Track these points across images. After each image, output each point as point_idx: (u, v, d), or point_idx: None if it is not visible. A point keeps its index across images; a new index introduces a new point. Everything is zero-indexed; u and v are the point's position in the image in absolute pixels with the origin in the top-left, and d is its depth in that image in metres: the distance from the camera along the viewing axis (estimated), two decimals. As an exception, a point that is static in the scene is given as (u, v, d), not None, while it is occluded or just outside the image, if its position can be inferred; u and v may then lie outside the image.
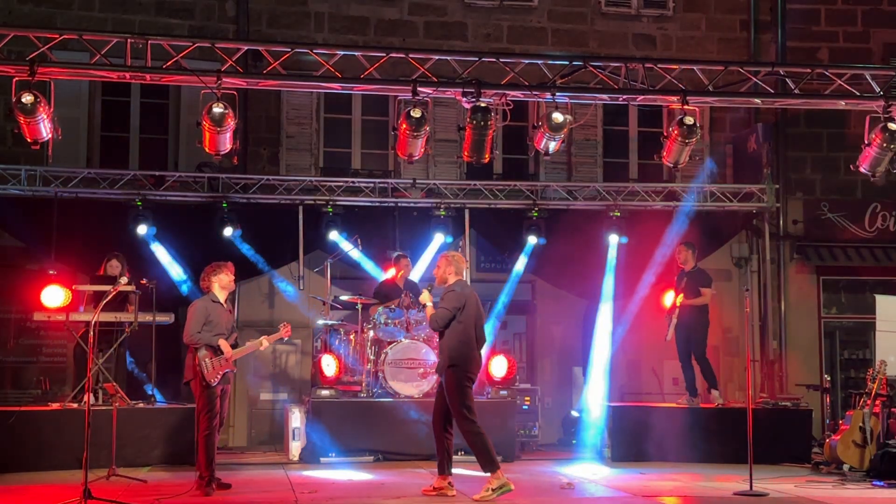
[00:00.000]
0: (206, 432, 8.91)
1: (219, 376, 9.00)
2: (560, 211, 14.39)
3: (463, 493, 8.95)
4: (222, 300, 9.26)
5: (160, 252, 13.29)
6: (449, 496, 8.76)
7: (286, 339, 9.51)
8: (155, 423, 11.03)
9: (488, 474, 8.68)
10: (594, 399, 13.35)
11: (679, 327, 12.41)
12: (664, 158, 10.64)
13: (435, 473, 9.08)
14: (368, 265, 13.80)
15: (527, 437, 13.01)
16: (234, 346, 9.17)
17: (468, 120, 10.08)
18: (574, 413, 14.07)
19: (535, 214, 14.04)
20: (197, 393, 8.97)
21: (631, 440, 11.96)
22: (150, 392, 11.69)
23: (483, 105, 10.05)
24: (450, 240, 14.10)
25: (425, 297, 9.21)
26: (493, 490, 8.57)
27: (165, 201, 13.57)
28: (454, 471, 9.02)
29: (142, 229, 13.11)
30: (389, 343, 11.92)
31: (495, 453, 8.77)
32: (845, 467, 10.63)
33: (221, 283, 9.26)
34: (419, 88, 10.04)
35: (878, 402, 10.66)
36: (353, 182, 14.23)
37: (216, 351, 9.01)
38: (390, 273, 13.00)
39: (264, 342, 9.38)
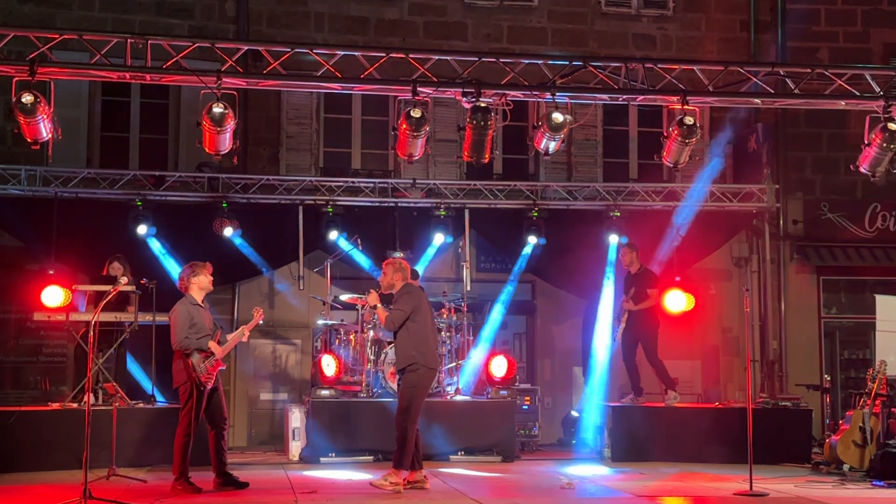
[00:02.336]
0: (189, 432, 8.86)
1: (213, 377, 9.01)
2: (560, 211, 14.39)
3: (462, 492, 8.97)
4: (200, 301, 9.21)
5: (160, 252, 13.29)
6: (425, 488, 8.97)
7: (261, 322, 9.59)
8: (155, 423, 11.00)
9: (393, 468, 8.94)
10: (594, 399, 13.35)
11: (626, 330, 12.53)
12: (664, 158, 10.64)
13: (434, 473, 9.10)
14: (368, 265, 13.79)
15: (527, 437, 12.99)
16: (219, 343, 9.15)
17: (468, 120, 10.07)
18: (574, 413, 14.06)
19: (535, 214, 14.04)
20: (187, 396, 8.91)
21: (631, 440, 11.95)
22: (150, 392, 11.70)
23: (483, 105, 10.04)
24: (450, 240, 14.11)
25: (373, 299, 9.37)
26: (390, 483, 8.89)
27: (165, 201, 13.58)
28: (453, 470, 9.03)
29: (142, 229, 13.13)
30: (389, 343, 11.90)
31: (413, 459, 8.98)
32: (845, 467, 10.62)
33: (200, 284, 9.22)
34: (419, 88, 10.03)
35: (878, 402, 10.65)
36: (353, 182, 14.23)
37: (207, 353, 9.01)
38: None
39: (245, 332, 9.39)
